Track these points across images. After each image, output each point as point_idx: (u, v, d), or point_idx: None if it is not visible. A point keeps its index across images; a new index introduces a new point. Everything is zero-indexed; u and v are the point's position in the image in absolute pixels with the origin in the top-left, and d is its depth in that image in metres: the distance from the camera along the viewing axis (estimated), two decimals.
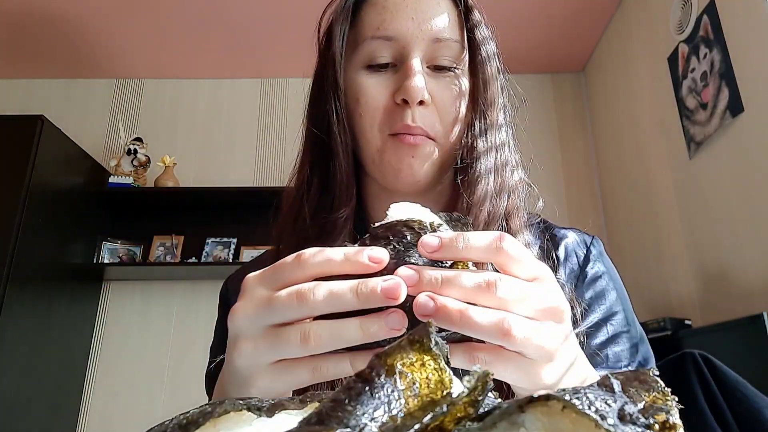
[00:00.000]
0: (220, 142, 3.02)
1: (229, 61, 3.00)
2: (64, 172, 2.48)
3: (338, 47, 0.60)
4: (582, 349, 0.56)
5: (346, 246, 0.34)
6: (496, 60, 0.62)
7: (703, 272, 2.04)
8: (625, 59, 2.64)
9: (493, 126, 0.59)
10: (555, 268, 0.59)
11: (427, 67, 0.58)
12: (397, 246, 0.33)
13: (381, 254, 0.32)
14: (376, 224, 0.35)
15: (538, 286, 0.34)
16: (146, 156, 2.82)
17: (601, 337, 0.58)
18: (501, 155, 0.60)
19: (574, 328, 0.56)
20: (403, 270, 0.32)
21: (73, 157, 2.56)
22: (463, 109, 0.59)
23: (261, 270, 0.35)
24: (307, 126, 0.64)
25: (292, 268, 0.33)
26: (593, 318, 0.59)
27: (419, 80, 0.55)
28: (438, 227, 0.34)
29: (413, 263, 0.32)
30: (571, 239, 0.65)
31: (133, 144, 2.82)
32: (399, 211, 0.35)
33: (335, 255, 0.32)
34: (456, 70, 0.59)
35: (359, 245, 0.34)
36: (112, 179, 2.70)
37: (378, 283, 0.31)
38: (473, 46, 0.60)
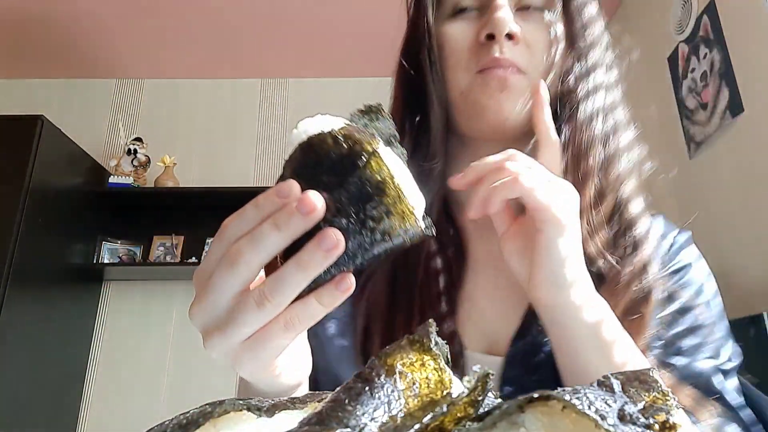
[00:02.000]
0: (220, 142, 3.02)
1: (229, 61, 3.00)
2: (64, 172, 2.48)
3: (429, 2, 0.58)
4: (659, 337, 0.51)
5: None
6: (596, 4, 0.59)
7: None
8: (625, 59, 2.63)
9: (594, 87, 0.55)
10: (645, 262, 0.55)
11: (517, 10, 0.55)
12: (305, 173, 0.31)
13: (287, 186, 0.30)
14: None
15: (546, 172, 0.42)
16: (146, 156, 2.82)
17: (679, 326, 0.53)
18: (612, 117, 0.56)
19: (655, 314, 0.51)
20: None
21: (73, 157, 2.56)
22: (557, 53, 0.55)
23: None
24: (395, 85, 0.62)
25: (219, 245, 0.32)
26: (674, 306, 0.54)
27: (506, 12, 0.52)
28: (341, 130, 0.31)
29: (326, 183, 0.30)
30: (659, 226, 0.61)
31: (133, 144, 2.82)
32: (301, 128, 0.33)
33: (247, 210, 0.31)
34: (547, 12, 0.56)
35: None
36: (112, 179, 2.70)
37: (292, 204, 0.29)
38: None
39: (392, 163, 0.31)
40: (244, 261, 0.30)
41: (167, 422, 0.22)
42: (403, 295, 0.54)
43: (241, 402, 0.23)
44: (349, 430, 0.18)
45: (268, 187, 0.31)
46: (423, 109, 0.56)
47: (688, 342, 0.52)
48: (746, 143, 1.77)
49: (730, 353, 0.54)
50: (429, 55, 0.56)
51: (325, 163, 0.30)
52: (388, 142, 0.33)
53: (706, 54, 1.95)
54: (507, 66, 0.52)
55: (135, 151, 2.80)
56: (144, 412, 2.55)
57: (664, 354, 0.51)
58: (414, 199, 0.32)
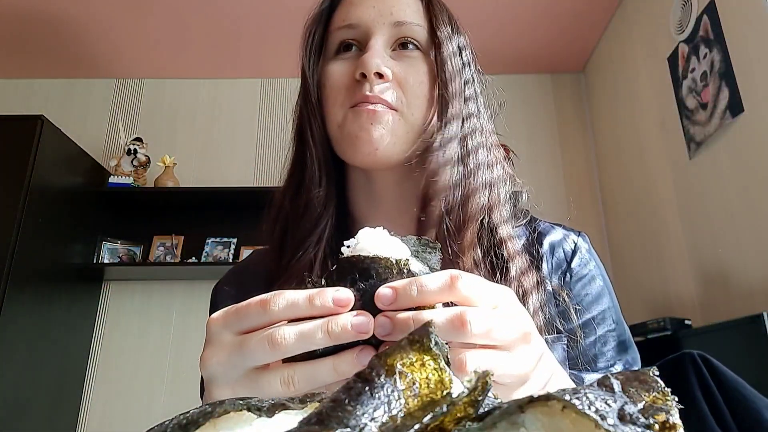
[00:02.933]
0: (220, 142, 3.02)
1: (229, 61, 3.00)
2: (64, 172, 2.48)
3: (308, 45, 0.64)
4: (574, 348, 0.56)
5: (309, 281, 0.35)
6: (468, 53, 0.64)
7: (703, 272, 2.04)
8: (625, 59, 2.64)
9: (458, 115, 0.60)
10: (539, 262, 0.60)
11: (392, 50, 0.60)
12: (363, 285, 0.33)
13: (346, 296, 0.32)
14: (345, 251, 0.35)
15: (503, 315, 0.34)
16: (146, 156, 2.82)
17: (590, 336, 0.58)
18: (472, 141, 0.60)
19: (566, 326, 0.57)
20: (379, 319, 0.32)
21: (73, 157, 2.56)
22: (428, 91, 0.60)
23: (223, 311, 0.35)
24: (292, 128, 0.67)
25: (257, 314, 0.33)
26: (584, 317, 0.59)
27: (376, 54, 0.57)
28: (406, 264, 0.34)
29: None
30: (556, 235, 0.65)
31: (133, 144, 2.82)
32: (366, 240, 0.35)
33: (299, 300, 0.33)
34: (420, 52, 0.61)
35: (325, 278, 0.35)
36: (112, 179, 2.70)
37: (348, 320, 0.32)
38: (437, 37, 0.61)
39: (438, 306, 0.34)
40: (286, 349, 0.32)
41: (167, 422, 0.22)
42: None
43: (241, 402, 0.23)
44: (349, 430, 0.18)
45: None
46: (305, 144, 0.62)
47: (599, 350, 0.58)
48: (746, 143, 1.77)
49: (636, 357, 0.60)
50: (306, 100, 0.62)
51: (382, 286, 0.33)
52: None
53: (706, 54, 1.95)
54: (376, 102, 0.56)
55: (135, 151, 2.80)
56: (144, 412, 2.55)
57: (583, 364, 0.57)
58: None
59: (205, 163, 2.96)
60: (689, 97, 2.06)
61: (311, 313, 0.32)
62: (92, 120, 3.02)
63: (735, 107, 1.79)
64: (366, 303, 0.33)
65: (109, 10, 2.59)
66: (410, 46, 0.60)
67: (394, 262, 0.34)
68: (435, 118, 0.59)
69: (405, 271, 0.34)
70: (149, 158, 2.83)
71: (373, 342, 0.33)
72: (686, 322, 1.93)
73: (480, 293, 0.33)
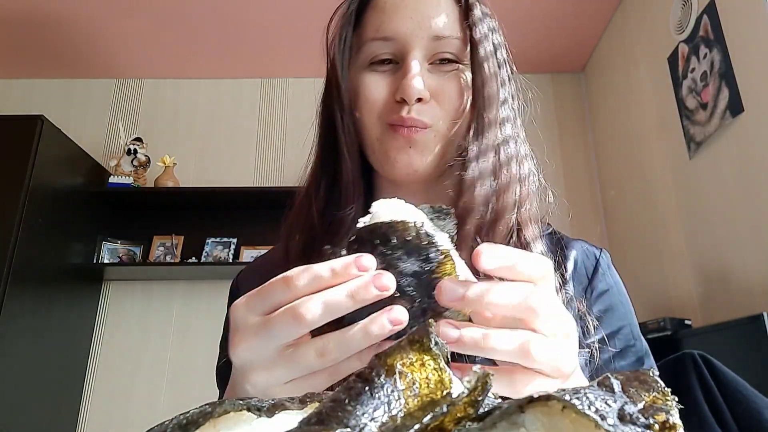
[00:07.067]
0: (220, 142, 3.02)
1: (229, 61, 3.00)
2: (64, 172, 2.48)
3: (339, 51, 0.61)
4: (592, 363, 0.56)
5: (332, 253, 0.35)
6: (503, 52, 0.63)
7: (703, 272, 2.04)
8: (625, 59, 2.63)
9: (493, 123, 0.58)
10: (564, 282, 0.60)
11: (429, 64, 0.59)
12: (384, 250, 0.34)
13: (369, 263, 0.33)
14: (360, 224, 0.35)
15: (562, 310, 0.36)
16: (146, 156, 2.82)
17: (608, 351, 0.58)
18: (505, 151, 0.59)
19: (584, 342, 0.56)
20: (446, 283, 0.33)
21: (73, 157, 2.56)
22: (466, 103, 0.59)
23: (246, 295, 0.36)
24: (317, 128, 0.65)
25: (282, 291, 0.34)
26: (602, 332, 0.59)
27: (417, 79, 0.56)
28: (421, 227, 0.34)
29: (401, 267, 0.34)
30: (579, 252, 0.64)
31: (133, 144, 2.82)
32: (382, 210, 0.36)
33: (323, 271, 0.33)
34: (458, 65, 0.59)
35: (346, 248, 0.35)
36: (112, 179, 2.71)
37: (369, 279, 0.32)
38: (474, 43, 0.59)
39: (459, 265, 0.35)
40: (312, 319, 0.32)
41: (167, 422, 0.22)
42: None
43: (241, 402, 0.23)
44: (349, 430, 0.18)
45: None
46: (336, 158, 0.60)
47: (617, 365, 0.57)
48: (746, 143, 1.77)
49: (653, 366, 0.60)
50: (340, 109, 0.60)
51: (403, 249, 0.34)
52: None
53: (706, 54, 1.95)
54: (413, 125, 0.56)
55: (135, 151, 2.80)
56: (144, 412, 2.55)
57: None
58: None
59: (205, 163, 2.96)
60: (689, 97, 2.06)
61: (334, 284, 0.33)
62: (92, 120, 3.02)
63: (735, 107, 1.79)
64: (387, 267, 0.33)
65: (109, 10, 2.59)
66: (448, 61, 0.59)
67: (412, 224, 0.34)
68: (471, 125, 0.58)
69: (422, 233, 0.34)
70: (149, 158, 2.83)
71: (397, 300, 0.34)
72: (686, 322, 1.93)
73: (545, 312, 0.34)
